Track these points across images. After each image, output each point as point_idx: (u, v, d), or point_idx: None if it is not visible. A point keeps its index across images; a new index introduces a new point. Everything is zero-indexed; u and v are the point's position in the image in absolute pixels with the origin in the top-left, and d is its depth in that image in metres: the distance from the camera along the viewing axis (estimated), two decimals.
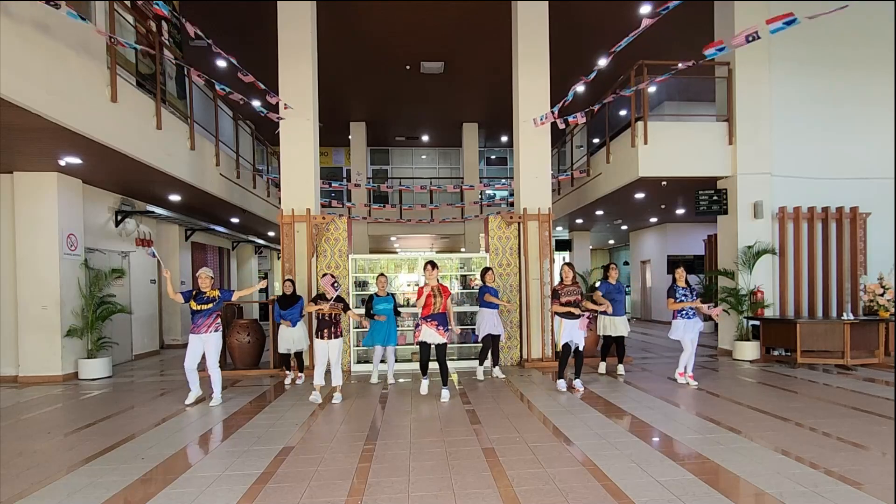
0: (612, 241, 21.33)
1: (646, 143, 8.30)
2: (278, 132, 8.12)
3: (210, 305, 5.69)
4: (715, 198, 8.70)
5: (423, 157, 19.66)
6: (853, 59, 8.83)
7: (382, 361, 7.12)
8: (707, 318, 9.86)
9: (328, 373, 5.99)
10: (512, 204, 13.79)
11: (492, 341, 7.10)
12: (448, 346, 6.31)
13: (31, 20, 4.96)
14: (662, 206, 12.06)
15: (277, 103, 7.78)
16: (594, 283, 9.72)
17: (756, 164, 8.49)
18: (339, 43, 10.61)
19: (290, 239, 7.85)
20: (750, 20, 8.19)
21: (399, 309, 6.85)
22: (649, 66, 8.12)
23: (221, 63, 10.81)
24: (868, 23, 8.78)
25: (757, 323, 8.23)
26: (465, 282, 8.30)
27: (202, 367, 5.83)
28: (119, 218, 9.08)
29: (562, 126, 7.88)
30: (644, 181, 8.81)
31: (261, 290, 9.02)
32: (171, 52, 8.46)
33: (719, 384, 6.45)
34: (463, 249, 16.50)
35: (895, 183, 8.68)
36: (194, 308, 5.66)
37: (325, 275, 5.78)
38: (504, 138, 18.29)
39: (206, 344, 5.70)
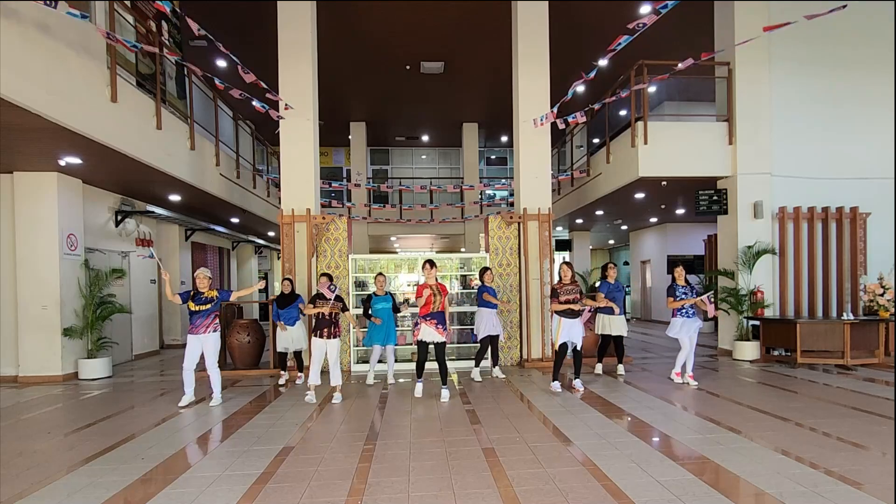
0: (612, 241, 21.33)
1: (646, 143, 8.30)
2: (278, 132, 8.12)
3: (208, 306, 5.69)
4: (715, 198, 8.70)
5: (423, 157, 19.66)
6: (853, 59, 8.83)
7: (381, 362, 7.11)
8: (707, 318, 9.85)
9: (327, 373, 5.99)
10: (512, 204, 13.80)
11: (491, 341, 7.09)
12: (447, 345, 6.29)
13: (31, 20, 4.96)
14: (662, 206, 12.06)
15: (278, 102, 7.79)
16: (594, 283, 9.71)
17: (756, 164, 8.49)
18: (339, 43, 10.61)
19: (290, 239, 7.85)
20: (750, 20, 8.22)
21: (398, 305, 6.85)
22: (649, 66, 8.13)
23: (222, 63, 10.83)
24: (868, 23, 8.78)
25: (757, 323, 8.23)
26: (464, 282, 8.31)
27: (202, 367, 5.83)
28: (119, 218, 9.08)
29: (562, 126, 7.89)
30: (644, 181, 8.81)
31: (260, 291, 9.01)
32: (171, 52, 8.46)
33: (719, 384, 6.45)
34: (463, 249, 16.49)
35: (895, 183, 8.69)
36: (192, 308, 5.65)
37: (323, 275, 5.78)
38: (504, 138, 18.28)
39: (204, 344, 5.69)
